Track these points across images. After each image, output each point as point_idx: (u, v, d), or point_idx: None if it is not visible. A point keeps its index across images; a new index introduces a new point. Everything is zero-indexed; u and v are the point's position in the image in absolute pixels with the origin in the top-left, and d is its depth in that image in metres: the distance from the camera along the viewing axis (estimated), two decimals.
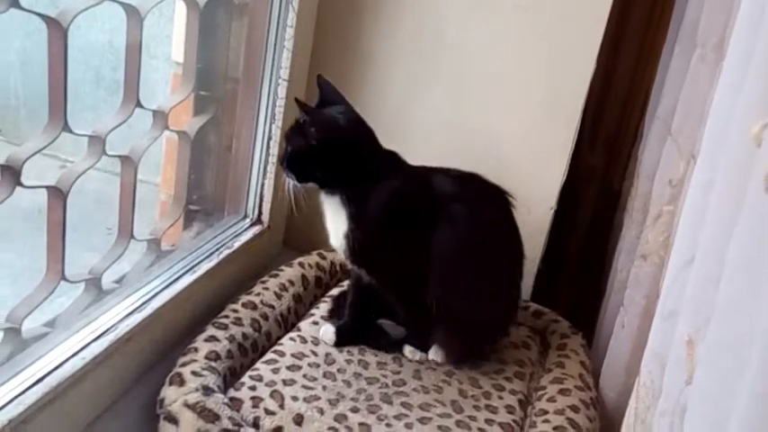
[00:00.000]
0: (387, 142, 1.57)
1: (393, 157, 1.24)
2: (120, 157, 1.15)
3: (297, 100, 1.16)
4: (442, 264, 1.20)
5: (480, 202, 1.25)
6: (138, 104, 1.15)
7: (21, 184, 0.93)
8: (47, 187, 1.01)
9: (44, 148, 0.97)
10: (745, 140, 0.55)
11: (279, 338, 1.28)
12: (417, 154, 1.57)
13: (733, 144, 0.58)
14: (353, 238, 1.19)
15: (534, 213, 1.53)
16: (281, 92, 1.42)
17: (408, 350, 1.30)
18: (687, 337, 0.59)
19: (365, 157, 1.20)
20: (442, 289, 1.21)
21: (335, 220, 1.21)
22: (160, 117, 1.22)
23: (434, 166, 1.27)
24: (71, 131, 1.00)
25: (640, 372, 0.76)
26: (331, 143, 1.16)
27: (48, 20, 0.94)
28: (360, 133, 1.21)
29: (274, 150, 1.45)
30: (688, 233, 0.68)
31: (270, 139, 1.45)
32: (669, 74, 1.29)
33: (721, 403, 0.47)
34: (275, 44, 1.40)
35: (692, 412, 0.54)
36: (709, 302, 0.52)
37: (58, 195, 1.02)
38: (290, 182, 1.19)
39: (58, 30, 0.94)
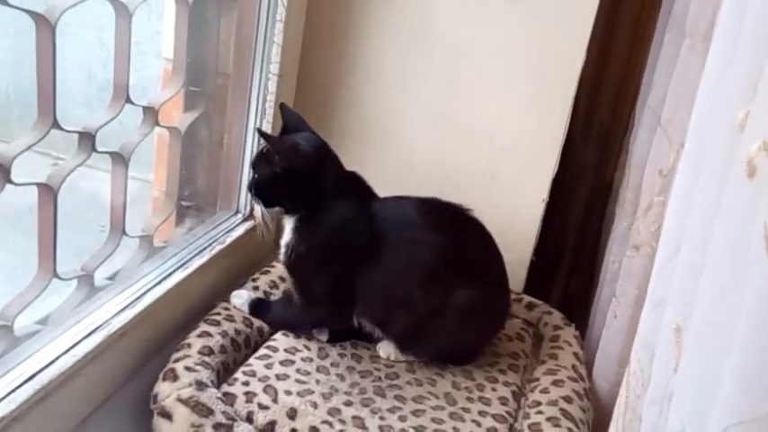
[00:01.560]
0: (377, 136, 1.58)
1: (355, 182, 1.26)
2: (110, 153, 1.14)
3: (259, 130, 1.21)
4: (389, 288, 1.22)
5: (436, 229, 1.23)
6: (128, 101, 1.14)
7: (11, 182, 0.93)
8: (37, 184, 1.01)
9: (34, 144, 0.97)
10: (731, 128, 0.55)
11: (271, 334, 1.29)
12: (407, 147, 1.58)
13: (718, 132, 0.58)
14: (292, 248, 1.22)
15: (526, 205, 1.54)
16: (272, 87, 1.42)
17: (382, 351, 1.29)
18: (675, 325, 0.60)
19: (328, 182, 1.22)
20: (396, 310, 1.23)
21: (286, 233, 1.25)
22: (151, 113, 1.22)
23: (399, 195, 1.28)
24: (60, 128, 0.99)
25: (630, 361, 0.77)
26: (294, 169, 1.19)
27: (35, 16, 0.93)
28: (322, 159, 1.23)
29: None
30: (675, 222, 0.68)
31: None
32: (659, 64, 1.29)
33: (706, 389, 0.47)
34: (265, 39, 1.39)
35: (677, 399, 0.54)
36: (696, 290, 0.53)
37: (48, 192, 1.01)
38: (259, 207, 1.23)
39: (45, 26, 0.94)
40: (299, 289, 1.27)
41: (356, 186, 1.26)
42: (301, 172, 1.19)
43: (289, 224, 1.24)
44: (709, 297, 0.50)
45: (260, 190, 1.22)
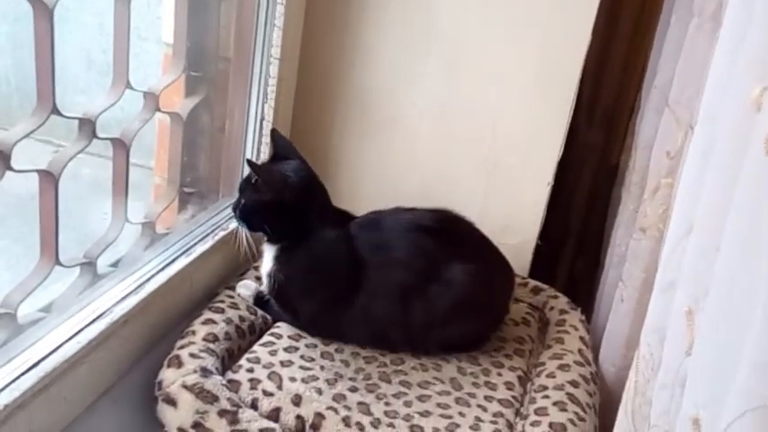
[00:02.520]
0: (379, 124, 1.57)
1: (339, 214, 1.26)
2: (111, 139, 1.13)
3: (248, 161, 1.23)
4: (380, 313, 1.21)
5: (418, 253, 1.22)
6: (129, 86, 1.13)
7: (11, 168, 0.92)
8: (38, 171, 1.00)
9: (33, 131, 0.96)
10: (745, 106, 0.53)
11: (275, 321, 1.28)
12: (409, 131, 1.57)
13: (731, 110, 0.57)
14: (274, 278, 1.23)
15: (531, 189, 1.52)
16: (273, 71, 1.40)
17: None
18: (687, 308, 0.59)
19: (313, 214, 1.22)
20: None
21: (266, 261, 1.25)
22: (151, 98, 1.21)
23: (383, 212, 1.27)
24: (60, 114, 0.98)
25: (640, 344, 0.76)
26: (281, 200, 1.20)
27: (33, 0, 0.92)
28: (309, 191, 1.23)
29: (267, 131, 1.43)
30: (686, 203, 0.67)
31: (263, 119, 1.43)
32: (666, 44, 1.27)
33: (721, 374, 0.46)
34: (266, 22, 1.38)
35: (691, 383, 0.53)
36: (709, 272, 0.52)
37: (49, 179, 1.01)
38: (242, 229, 1.24)
39: (43, 10, 0.93)
40: (287, 316, 1.26)
41: (340, 216, 1.26)
42: (287, 204, 1.20)
43: (269, 252, 1.24)
44: (723, 280, 0.48)
45: (245, 214, 1.23)
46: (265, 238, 1.26)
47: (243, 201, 1.23)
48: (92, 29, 2.87)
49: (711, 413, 0.46)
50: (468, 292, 1.20)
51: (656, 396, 0.65)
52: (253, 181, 1.21)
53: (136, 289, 1.12)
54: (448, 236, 1.25)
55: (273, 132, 1.30)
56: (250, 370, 1.11)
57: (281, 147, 1.28)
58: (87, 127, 1.06)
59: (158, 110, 1.23)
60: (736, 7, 0.63)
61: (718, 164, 0.58)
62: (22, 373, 0.90)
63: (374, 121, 1.57)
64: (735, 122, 0.55)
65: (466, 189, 1.53)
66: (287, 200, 1.20)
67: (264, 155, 1.45)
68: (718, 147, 0.59)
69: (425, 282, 1.19)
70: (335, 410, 1.05)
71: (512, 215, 1.51)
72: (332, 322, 1.23)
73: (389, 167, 1.59)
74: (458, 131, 1.53)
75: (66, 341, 0.98)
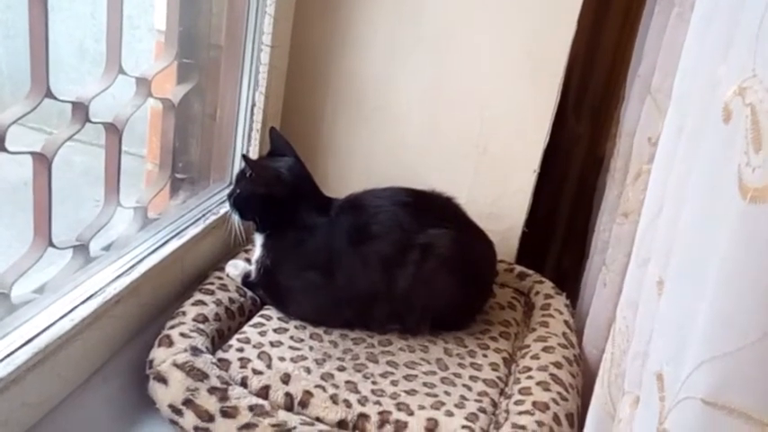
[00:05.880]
0: (370, 107, 1.59)
1: (327, 202, 1.30)
2: (104, 124, 1.15)
3: (244, 156, 1.29)
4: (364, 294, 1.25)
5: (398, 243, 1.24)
6: (121, 71, 1.15)
7: (5, 150, 0.93)
8: (32, 153, 1.01)
9: (28, 113, 0.97)
10: (711, 85, 0.56)
11: (265, 303, 1.30)
12: (400, 118, 1.59)
13: (699, 90, 0.59)
14: (261, 263, 1.28)
15: (517, 176, 1.55)
16: (264, 58, 1.42)
17: None
18: (657, 279, 0.61)
19: (302, 210, 1.27)
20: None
21: (256, 249, 1.31)
22: (143, 84, 1.22)
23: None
24: (54, 97, 1.00)
25: (616, 318, 0.78)
26: (273, 195, 1.25)
27: None
28: (301, 189, 1.28)
29: (258, 117, 1.45)
30: (658, 182, 0.70)
31: (254, 105, 1.45)
32: (649, 33, 1.30)
33: (682, 332, 0.49)
34: (257, 10, 1.40)
35: (656, 342, 0.55)
36: (674, 238, 0.54)
37: (43, 161, 1.02)
38: (235, 217, 1.28)
39: None
40: (273, 303, 1.29)
41: (328, 205, 1.30)
42: (278, 198, 1.25)
43: (258, 240, 1.30)
44: (686, 242, 0.51)
45: (238, 203, 1.28)
46: (254, 227, 1.30)
47: (237, 191, 1.28)
48: (84, 18, 2.87)
49: (673, 368, 0.49)
50: (447, 252, 1.23)
51: (630, 366, 0.68)
52: (248, 174, 1.26)
53: (128, 270, 1.14)
54: (424, 208, 1.28)
55: (272, 130, 1.35)
56: (240, 349, 1.13)
57: (278, 144, 1.33)
58: (81, 111, 1.07)
59: (150, 95, 1.24)
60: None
61: (687, 141, 0.60)
62: (17, 349, 0.92)
63: (364, 107, 1.59)
64: (702, 101, 0.57)
65: (454, 175, 1.55)
66: (277, 195, 1.25)
67: (256, 141, 1.48)
68: (687, 125, 0.62)
69: (405, 250, 1.22)
70: (323, 388, 1.07)
71: (499, 202, 1.54)
72: (317, 305, 1.26)
73: (379, 154, 1.61)
74: (446, 118, 1.55)
75: (60, 319, 1.00)
